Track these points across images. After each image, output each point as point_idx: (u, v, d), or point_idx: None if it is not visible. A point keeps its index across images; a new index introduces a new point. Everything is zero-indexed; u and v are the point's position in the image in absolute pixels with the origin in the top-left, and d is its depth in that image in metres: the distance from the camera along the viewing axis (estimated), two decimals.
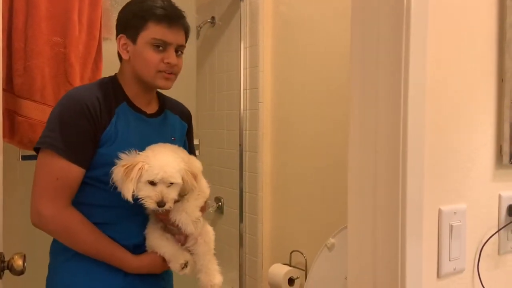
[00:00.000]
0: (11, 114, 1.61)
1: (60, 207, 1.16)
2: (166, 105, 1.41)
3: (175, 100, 1.48)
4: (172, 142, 1.31)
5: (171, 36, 1.24)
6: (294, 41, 2.13)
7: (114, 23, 1.32)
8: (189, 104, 2.92)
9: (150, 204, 1.13)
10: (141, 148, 1.19)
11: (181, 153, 1.25)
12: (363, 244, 0.77)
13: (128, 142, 1.20)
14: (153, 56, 1.23)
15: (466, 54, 0.82)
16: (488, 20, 0.85)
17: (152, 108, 1.35)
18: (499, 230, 0.87)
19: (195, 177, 1.21)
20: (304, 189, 2.07)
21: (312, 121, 2.02)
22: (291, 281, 1.98)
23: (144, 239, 1.28)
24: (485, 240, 0.85)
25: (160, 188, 1.12)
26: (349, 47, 0.80)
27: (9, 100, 1.59)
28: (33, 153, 1.75)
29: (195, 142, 1.64)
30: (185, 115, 1.47)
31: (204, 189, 1.30)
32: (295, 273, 1.99)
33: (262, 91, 2.30)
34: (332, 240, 1.61)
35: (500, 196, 0.88)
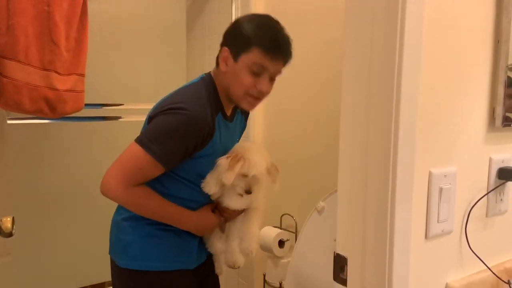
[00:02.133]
0: None
1: (129, 187, 1.20)
2: (236, 106, 1.42)
3: None
4: (236, 142, 1.43)
5: (272, 65, 1.25)
6: (287, 3, 2.07)
7: None
8: (180, 68, 2.88)
9: (239, 190, 1.33)
10: (224, 151, 1.32)
11: (264, 151, 1.41)
12: (353, 206, 0.77)
13: (219, 151, 1.30)
14: (248, 79, 1.24)
15: (462, 14, 0.79)
16: None
17: (230, 112, 1.38)
18: (488, 192, 0.88)
19: (277, 170, 1.40)
20: (295, 154, 2.07)
21: (304, 86, 2.00)
22: (281, 243, 2.01)
23: None
24: (474, 203, 0.85)
25: (250, 179, 1.32)
26: (343, 10, 0.77)
27: None
28: (20, 115, 1.73)
29: None
30: (247, 116, 1.53)
31: (262, 203, 1.48)
32: (285, 235, 2.02)
33: None
34: (322, 204, 1.62)
35: (490, 159, 0.88)
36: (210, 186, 1.30)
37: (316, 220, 1.65)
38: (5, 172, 1.58)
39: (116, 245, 1.35)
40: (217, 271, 1.49)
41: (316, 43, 1.92)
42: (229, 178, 1.26)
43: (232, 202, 1.36)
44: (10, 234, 1.07)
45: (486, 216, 0.90)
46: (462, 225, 0.84)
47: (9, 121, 1.78)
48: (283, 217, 2.10)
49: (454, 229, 0.83)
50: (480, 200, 0.86)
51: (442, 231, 0.80)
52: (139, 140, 1.20)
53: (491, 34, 0.85)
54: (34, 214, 1.95)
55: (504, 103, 0.85)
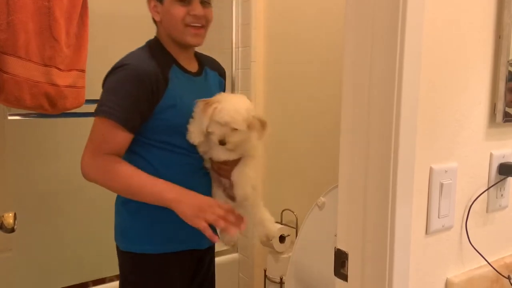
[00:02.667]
0: None
1: (97, 156, 1.18)
2: (205, 62, 1.44)
3: (210, 57, 1.52)
4: None
5: None
6: None
7: None
8: None
9: (214, 138, 1.24)
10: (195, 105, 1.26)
11: (250, 103, 1.32)
12: (353, 202, 0.77)
13: (185, 103, 1.25)
14: (178, 10, 1.24)
15: (463, 9, 0.79)
16: None
17: (193, 67, 1.37)
18: (489, 188, 0.88)
19: (264, 125, 1.28)
20: (296, 149, 2.07)
21: (305, 81, 1.99)
22: (282, 238, 2.01)
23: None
24: (475, 198, 0.85)
25: (225, 130, 1.23)
26: (345, 4, 0.77)
27: None
28: (21, 111, 1.73)
29: None
30: (221, 71, 1.52)
31: (258, 152, 1.38)
32: (286, 231, 2.02)
33: (255, 49, 2.24)
34: (322, 199, 1.62)
35: (491, 155, 0.88)
36: (194, 135, 1.26)
37: (316, 215, 1.65)
38: (6, 167, 1.58)
39: (117, 229, 1.35)
40: (223, 240, 1.38)
41: (317, 36, 1.91)
42: (203, 123, 1.23)
43: (218, 153, 1.30)
44: (12, 230, 1.07)
45: (487, 211, 0.90)
46: (462, 220, 0.85)
47: (9, 117, 1.78)
48: (283, 213, 2.10)
49: (455, 225, 0.83)
50: (481, 196, 0.86)
51: (443, 226, 0.80)
52: (95, 110, 1.20)
53: (492, 29, 0.84)
54: (36, 209, 1.95)
55: (505, 99, 0.85)
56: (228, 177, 1.33)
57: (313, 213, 1.67)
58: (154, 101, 1.21)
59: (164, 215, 1.25)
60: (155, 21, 1.33)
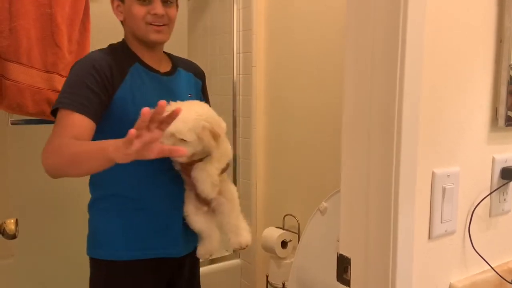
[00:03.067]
0: None
1: (56, 139, 1.14)
2: (179, 64, 1.43)
3: (188, 60, 1.51)
4: (189, 98, 1.34)
5: None
6: (288, 3, 2.07)
7: None
8: None
9: None
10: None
11: (206, 111, 1.25)
12: (356, 208, 0.77)
13: (146, 100, 1.19)
14: (139, 9, 1.24)
15: (464, 13, 0.79)
16: None
17: (164, 67, 1.37)
18: (491, 192, 0.87)
19: (216, 136, 1.20)
20: (298, 154, 2.07)
21: (306, 86, 1.99)
22: (284, 244, 2.01)
23: (175, 199, 1.32)
24: (477, 203, 0.85)
25: (173, 140, 1.16)
26: (345, 9, 0.77)
27: None
28: (23, 117, 1.73)
29: None
30: (199, 72, 1.50)
31: (227, 151, 1.32)
32: (288, 236, 2.02)
33: (256, 55, 2.25)
34: (325, 204, 1.62)
35: (493, 159, 0.87)
36: None
37: (319, 220, 1.65)
38: (8, 173, 1.58)
39: (89, 237, 1.31)
40: (198, 253, 1.38)
41: (318, 41, 1.91)
42: None
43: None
44: (14, 236, 1.07)
45: (490, 216, 0.89)
46: (465, 225, 0.84)
47: (11, 124, 1.79)
48: (285, 218, 2.10)
49: (457, 229, 0.83)
50: (483, 200, 0.86)
51: (445, 231, 0.80)
52: (53, 106, 1.21)
53: (493, 34, 0.84)
54: (37, 215, 1.94)
55: (506, 103, 0.85)
56: (189, 178, 1.28)
57: (315, 218, 1.66)
58: (110, 89, 1.20)
59: (138, 220, 1.25)
60: (122, 24, 1.34)
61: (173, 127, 1.10)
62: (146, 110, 0.91)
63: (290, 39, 2.07)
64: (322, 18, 1.88)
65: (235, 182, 2.40)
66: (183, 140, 1.16)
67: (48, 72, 1.64)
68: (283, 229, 2.06)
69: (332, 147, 1.78)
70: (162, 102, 0.93)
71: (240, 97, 2.34)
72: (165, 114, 1.03)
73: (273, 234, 2.00)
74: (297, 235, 2.01)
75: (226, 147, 1.32)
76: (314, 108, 1.95)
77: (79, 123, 1.15)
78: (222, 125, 1.29)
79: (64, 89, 1.20)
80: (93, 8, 1.86)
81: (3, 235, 1.07)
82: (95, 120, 1.18)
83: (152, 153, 0.97)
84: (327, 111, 1.87)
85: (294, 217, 2.05)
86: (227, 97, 2.40)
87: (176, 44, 2.72)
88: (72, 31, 1.65)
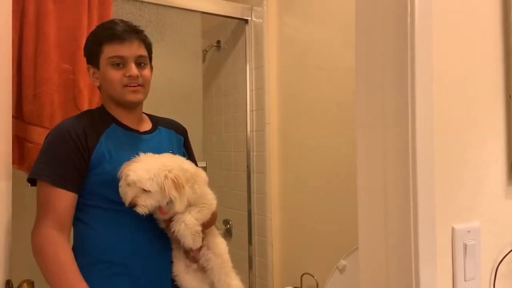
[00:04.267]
0: (20, 141, 1.63)
1: (42, 227, 1.18)
2: (159, 123, 1.45)
3: (168, 118, 1.52)
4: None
5: (125, 50, 1.27)
6: (299, 62, 2.15)
7: None
8: (196, 126, 2.93)
9: (124, 201, 1.16)
10: None
11: (176, 163, 1.23)
12: (375, 266, 0.75)
13: (122, 159, 1.22)
14: (114, 74, 1.28)
15: (472, 71, 0.81)
16: (494, 34, 0.85)
17: (144, 127, 1.39)
18: None
19: (179, 187, 1.16)
20: (314, 210, 2.05)
21: (319, 141, 2.02)
22: None
23: (162, 259, 1.29)
24: (501, 259, 0.83)
25: (136, 191, 1.14)
26: (354, 65, 0.80)
27: (18, 127, 1.60)
28: None
29: (202, 164, 1.63)
30: (180, 129, 1.50)
31: (209, 200, 1.29)
32: None
33: (269, 112, 2.30)
34: (343, 262, 1.58)
35: None
36: (124, 198, 1.18)
37: (338, 279, 1.60)
38: (25, 235, 1.60)
39: None
40: None
41: (329, 99, 1.96)
42: (120, 188, 1.17)
43: (156, 212, 1.22)
44: None
45: None
46: (489, 283, 0.81)
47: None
48: (303, 277, 2.04)
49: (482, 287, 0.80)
50: (507, 256, 0.83)
51: None
52: (28, 175, 1.24)
53: (502, 88, 0.86)
54: None
55: None
56: (168, 230, 1.24)
57: (334, 276, 1.62)
58: (85, 155, 1.22)
59: (119, 270, 1.22)
60: (99, 89, 1.38)
61: (135, 175, 1.12)
62: None
63: (301, 96, 2.13)
64: (333, 76, 1.94)
65: (250, 239, 2.36)
66: (145, 191, 1.14)
67: None
68: None
69: (349, 202, 1.77)
70: None
71: (254, 153, 2.37)
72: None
73: None
74: None
75: (208, 197, 1.29)
76: (329, 163, 1.96)
77: (60, 199, 1.19)
78: (202, 175, 1.29)
79: (40, 159, 1.23)
80: None
81: None
82: (75, 190, 1.21)
83: None
84: (341, 167, 1.87)
85: (312, 276, 1.99)
86: (242, 154, 2.43)
87: (192, 103, 2.81)
88: (93, 95, 1.71)
